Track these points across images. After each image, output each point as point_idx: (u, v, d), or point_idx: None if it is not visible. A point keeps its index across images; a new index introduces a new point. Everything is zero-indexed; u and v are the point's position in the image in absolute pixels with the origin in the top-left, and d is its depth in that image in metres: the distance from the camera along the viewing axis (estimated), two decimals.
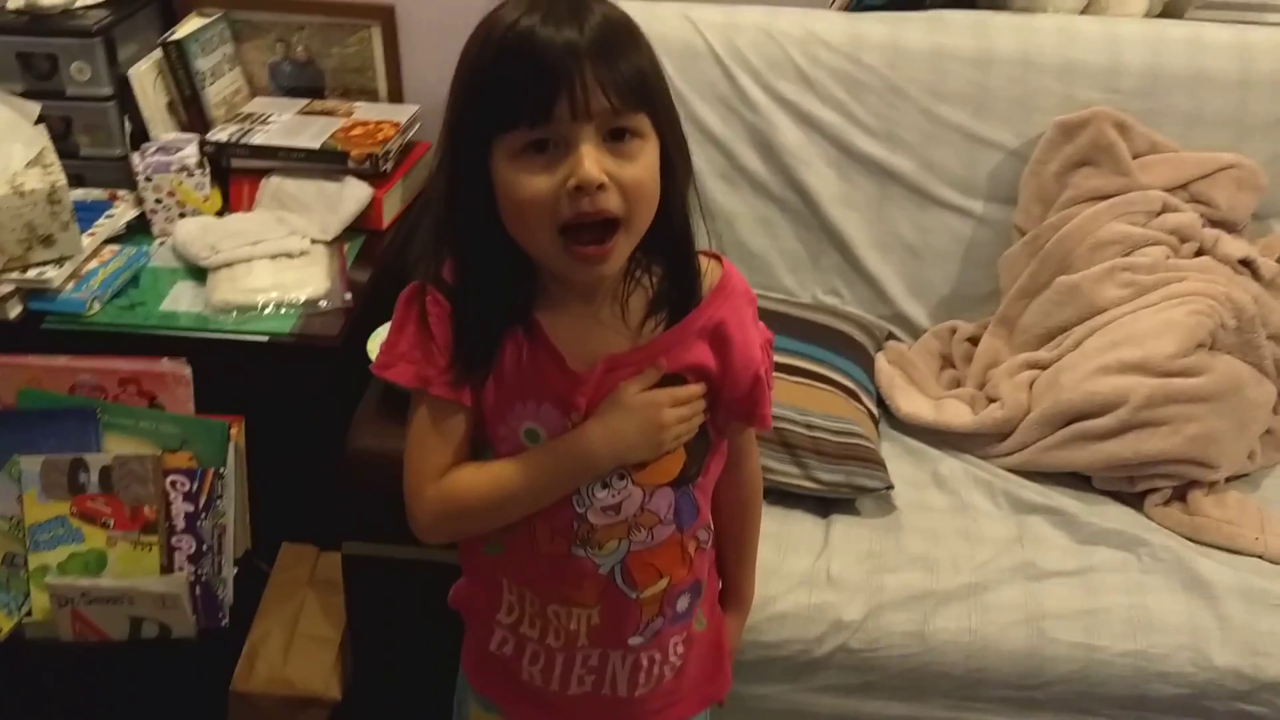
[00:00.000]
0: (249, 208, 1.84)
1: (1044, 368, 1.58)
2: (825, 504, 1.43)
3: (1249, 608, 1.31)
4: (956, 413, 1.57)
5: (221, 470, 1.52)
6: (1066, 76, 1.71)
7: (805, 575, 1.33)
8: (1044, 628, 1.30)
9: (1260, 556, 1.39)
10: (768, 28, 1.74)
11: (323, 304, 1.63)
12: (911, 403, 1.59)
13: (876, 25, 1.74)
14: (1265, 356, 1.57)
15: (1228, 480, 1.50)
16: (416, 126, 1.96)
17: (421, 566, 1.33)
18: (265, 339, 1.58)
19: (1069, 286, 1.61)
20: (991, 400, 1.59)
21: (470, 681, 1.14)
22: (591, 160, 0.85)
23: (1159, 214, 1.64)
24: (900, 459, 1.52)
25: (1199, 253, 1.63)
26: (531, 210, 0.88)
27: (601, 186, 0.86)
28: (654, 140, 0.89)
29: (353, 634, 1.49)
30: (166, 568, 1.51)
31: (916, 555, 1.37)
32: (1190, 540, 1.42)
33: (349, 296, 1.64)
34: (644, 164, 0.88)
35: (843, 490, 1.42)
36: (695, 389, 0.97)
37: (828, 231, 1.75)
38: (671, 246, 0.95)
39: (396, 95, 2.04)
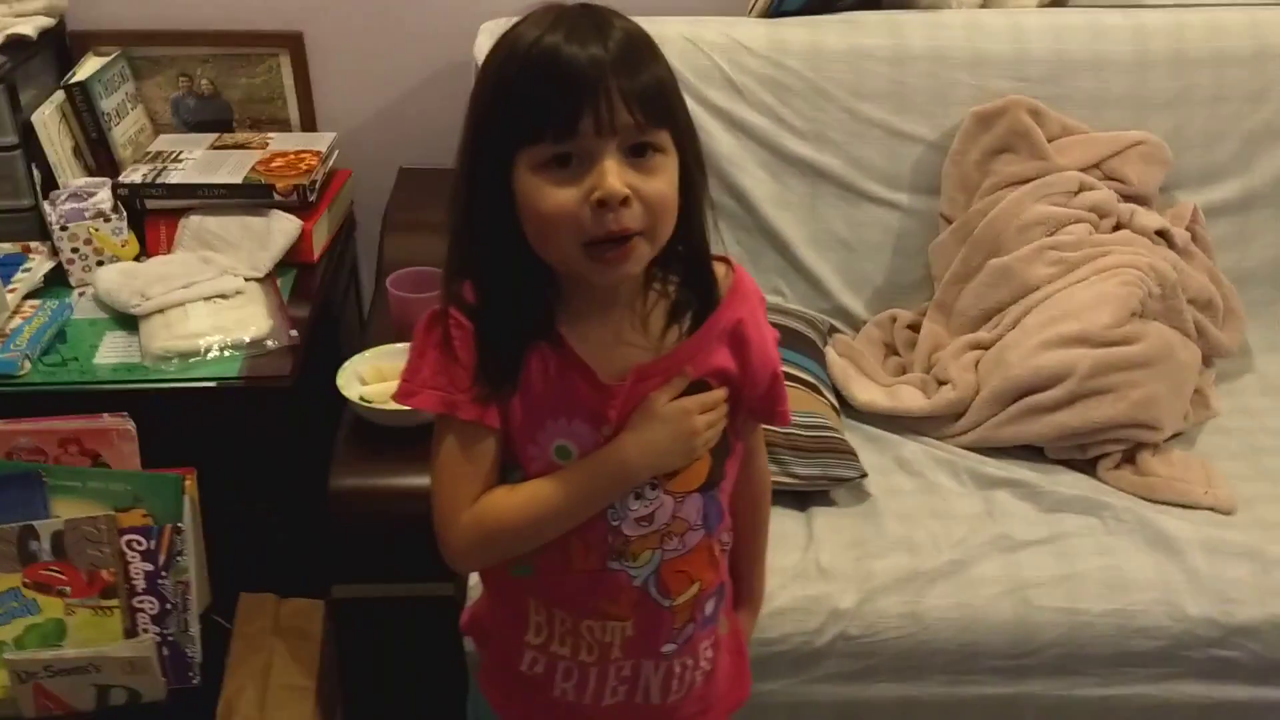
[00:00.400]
0: (168, 250, 1.77)
1: (986, 347, 1.64)
2: (802, 498, 1.46)
3: (1212, 558, 1.38)
4: (911, 398, 1.62)
5: (180, 525, 1.46)
6: (977, 68, 1.79)
7: (797, 569, 1.36)
8: (1027, 596, 1.35)
9: (1212, 509, 1.48)
10: (693, 38, 1.77)
11: (270, 344, 1.58)
12: (866, 392, 1.63)
13: (796, 30, 1.79)
14: (1187, 320, 1.66)
15: (1169, 440, 1.59)
16: (335, 154, 1.93)
17: (416, 603, 1.31)
18: (213, 384, 1.53)
19: (1001, 268, 1.68)
20: (941, 383, 1.64)
21: (496, 708, 1.12)
22: (615, 174, 0.86)
23: (1077, 193, 1.72)
24: (863, 447, 1.55)
25: (1117, 227, 1.72)
26: (555, 222, 0.88)
27: (625, 201, 0.86)
28: (674, 156, 0.90)
29: (346, 681, 1.44)
30: (130, 631, 1.44)
31: (898, 539, 1.41)
32: (1146, 499, 1.49)
33: (295, 334, 1.60)
34: (665, 179, 0.89)
35: (820, 483, 1.45)
36: (720, 393, 0.98)
37: (765, 232, 1.78)
38: (690, 257, 0.96)
39: (310, 124, 2.00)
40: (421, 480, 1.30)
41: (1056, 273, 1.65)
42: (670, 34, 1.77)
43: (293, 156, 1.85)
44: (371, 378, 1.42)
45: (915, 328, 1.77)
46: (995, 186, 1.73)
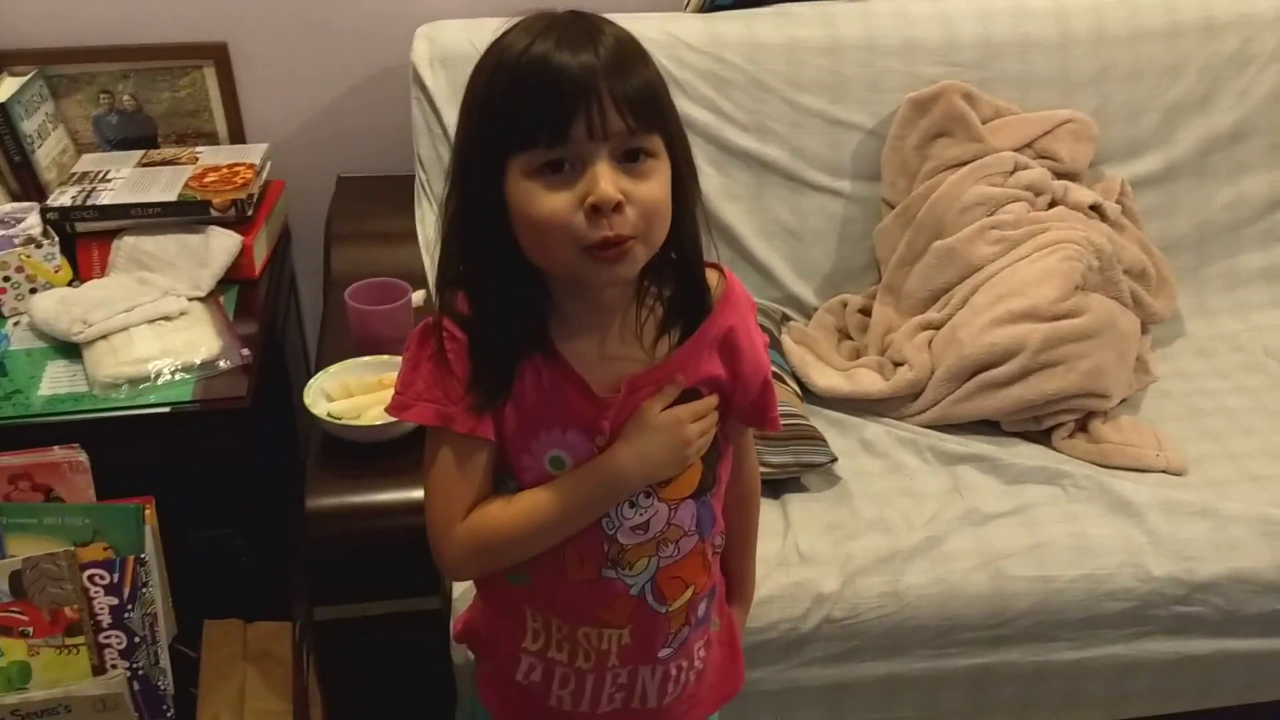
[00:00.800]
0: (102, 273, 1.71)
1: (938, 327, 1.68)
2: (776, 486, 1.48)
3: (1170, 519, 1.44)
4: (870, 380, 1.65)
5: (142, 556, 1.42)
6: (908, 55, 1.82)
7: (778, 557, 1.37)
8: (1001, 568, 1.38)
9: (1164, 471, 1.54)
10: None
11: (222, 364, 1.54)
12: (825, 377, 1.66)
13: (732, 24, 1.80)
14: (1124, 290, 1.72)
15: (1116, 407, 1.64)
16: (269, 165, 1.88)
17: (402, 619, 1.29)
18: (167, 409, 1.48)
19: (946, 249, 1.72)
20: (897, 364, 1.67)
21: (493, 714, 1.12)
22: (608, 179, 0.86)
23: (1012, 173, 1.77)
24: (827, 432, 1.57)
25: (1052, 204, 1.77)
26: (549, 227, 0.88)
27: (618, 206, 0.86)
28: (666, 160, 0.90)
29: (329, 705, 1.41)
30: (98, 668, 1.39)
31: (872, 520, 1.43)
32: (1101, 466, 1.54)
33: (247, 353, 1.56)
34: (658, 183, 0.89)
35: (792, 470, 1.46)
36: (711, 401, 0.99)
37: (714, 225, 1.77)
38: (682, 263, 0.96)
39: (238, 135, 1.94)
40: (398, 494, 1.30)
41: (999, 251, 1.69)
42: None
43: (226, 170, 1.80)
44: (338, 394, 1.39)
45: (866, 311, 1.80)
46: (934, 170, 1.77)
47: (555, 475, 0.97)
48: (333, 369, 1.42)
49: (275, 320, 1.75)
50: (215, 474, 1.54)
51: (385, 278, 1.54)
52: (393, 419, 1.33)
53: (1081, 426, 1.60)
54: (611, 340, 0.96)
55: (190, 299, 1.66)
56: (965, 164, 1.76)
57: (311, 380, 1.39)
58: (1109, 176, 1.87)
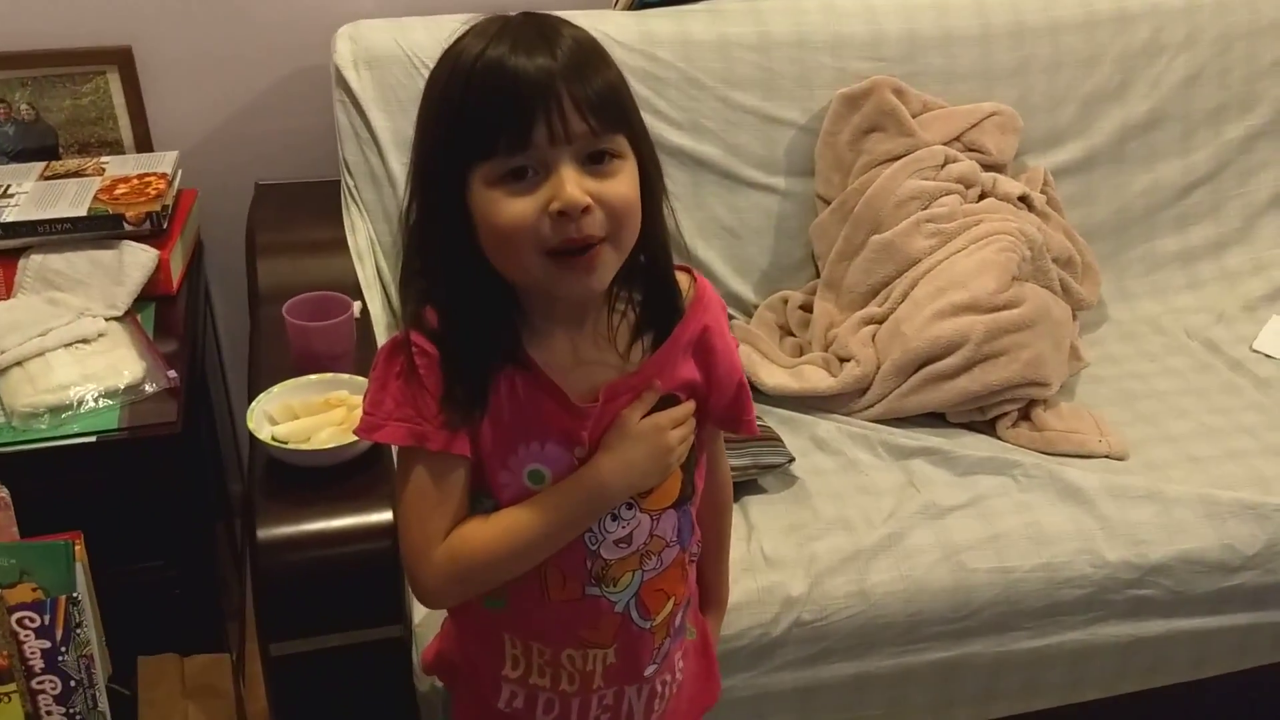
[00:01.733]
0: (7, 295, 1.61)
1: (880, 321, 1.69)
2: (735, 489, 1.45)
3: (1119, 503, 1.47)
4: (817, 377, 1.65)
5: (74, 595, 1.34)
6: (837, 51, 1.82)
7: (744, 562, 1.36)
8: (962, 561, 1.39)
9: (1108, 456, 1.57)
10: None
11: (147, 388, 1.46)
12: (773, 375, 1.65)
13: (663, 21, 1.78)
14: (1054, 279, 1.75)
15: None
16: (179, 175, 1.79)
17: (362, 650, 1.24)
18: (92, 439, 1.40)
19: (883, 244, 1.72)
20: (843, 360, 1.67)
21: None
22: (573, 183, 0.84)
23: (943, 166, 1.78)
24: (778, 430, 1.57)
25: (983, 196, 1.79)
26: (514, 236, 0.85)
27: (586, 209, 0.84)
28: (632, 160, 0.88)
29: None
30: (33, 716, 1.30)
31: (833, 519, 1.43)
32: (1046, 454, 1.57)
33: (173, 374, 1.48)
34: (626, 182, 0.87)
35: (751, 472, 1.45)
36: (690, 406, 0.97)
37: None
38: (652, 265, 0.94)
39: (145, 144, 1.85)
40: (354, 520, 1.25)
41: (935, 244, 1.71)
42: None
43: (136, 181, 1.71)
44: (282, 416, 1.33)
45: (806, 307, 1.79)
46: (868, 165, 1.77)
47: (534, 490, 0.94)
48: (275, 390, 1.35)
49: (196, 338, 1.67)
50: (146, 504, 1.46)
51: (323, 291, 1.48)
52: (346, 441, 1.28)
53: (1024, 415, 1.62)
54: (584, 346, 0.94)
55: (107, 319, 1.57)
56: (898, 158, 1.77)
57: (254, 403, 1.33)
58: (1032, 167, 1.90)
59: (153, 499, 1.46)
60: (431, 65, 0.89)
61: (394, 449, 1.07)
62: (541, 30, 0.85)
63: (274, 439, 1.30)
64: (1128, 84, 1.95)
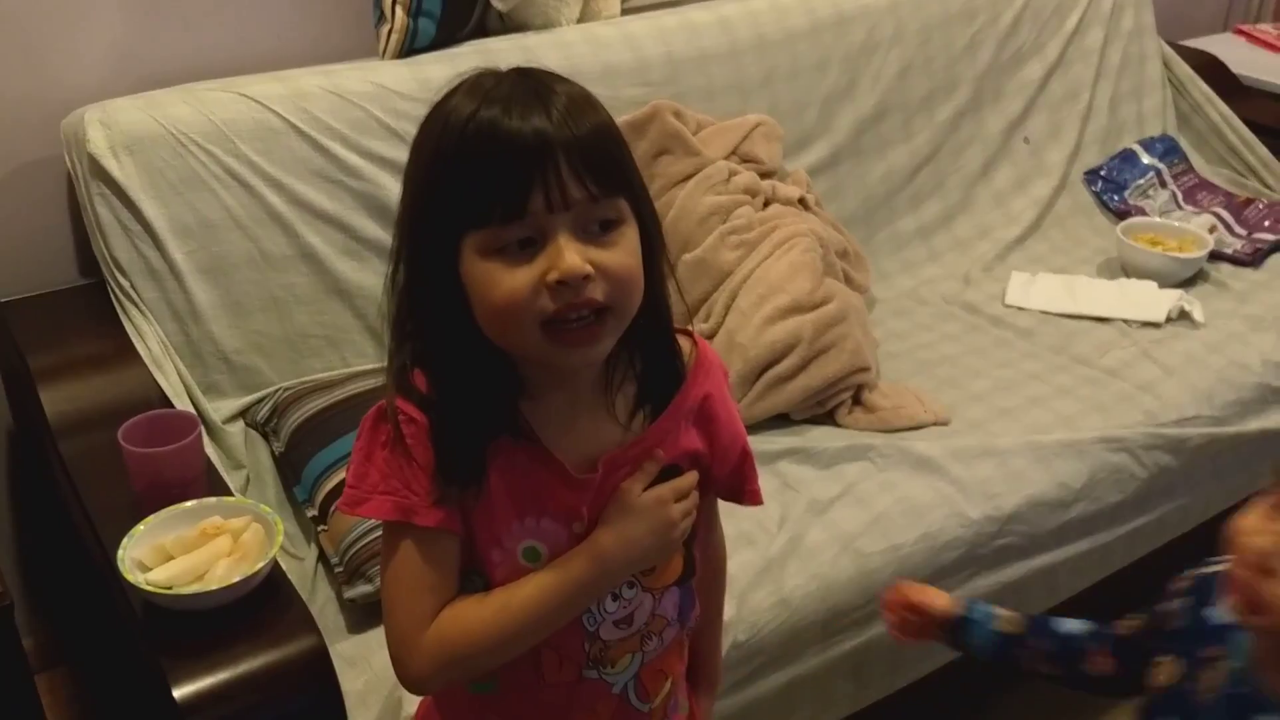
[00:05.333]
0: None
1: (709, 337, 1.73)
2: None
3: (964, 464, 1.60)
4: None
5: None
6: (608, 80, 1.85)
7: None
8: (858, 548, 1.47)
9: (935, 423, 1.70)
10: (337, 90, 1.65)
11: None
12: None
13: (436, 66, 1.73)
14: (839, 271, 1.88)
15: None
16: None
17: None
18: None
19: (695, 261, 1.78)
20: None
21: None
22: (572, 251, 0.80)
23: (729, 179, 1.86)
24: None
25: (767, 203, 1.89)
26: (510, 309, 0.81)
27: (587, 277, 0.81)
28: (633, 223, 0.85)
29: None
30: None
31: (733, 536, 1.40)
32: (884, 432, 1.68)
33: None
34: (627, 249, 0.84)
35: None
36: (693, 478, 0.93)
37: None
38: (652, 330, 0.90)
39: None
40: (269, 656, 1.13)
41: (743, 254, 1.78)
42: (310, 88, 1.64)
43: None
44: (154, 560, 1.18)
45: None
46: (664, 188, 1.82)
47: (530, 569, 0.88)
48: (138, 532, 1.19)
49: None
50: None
51: (155, 410, 1.32)
52: (251, 570, 1.15)
53: (856, 400, 1.73)
54: (582, 415, 0.90)
55: None
56: (689, 178, 1.82)
57: (120, 552, 1.16)
58: (794, 170, 2.02)
59: None
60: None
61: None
62: (534, 88, 0.81)
63: (156, 587, 1.14)
64: (855, 82, 2.12)
